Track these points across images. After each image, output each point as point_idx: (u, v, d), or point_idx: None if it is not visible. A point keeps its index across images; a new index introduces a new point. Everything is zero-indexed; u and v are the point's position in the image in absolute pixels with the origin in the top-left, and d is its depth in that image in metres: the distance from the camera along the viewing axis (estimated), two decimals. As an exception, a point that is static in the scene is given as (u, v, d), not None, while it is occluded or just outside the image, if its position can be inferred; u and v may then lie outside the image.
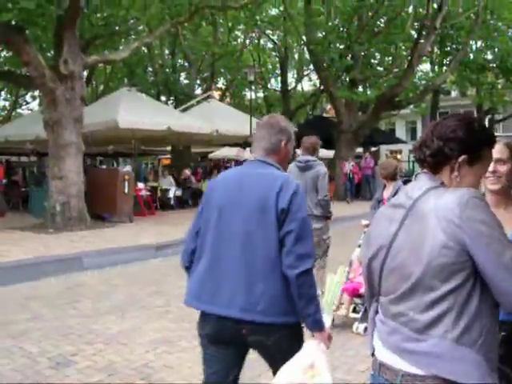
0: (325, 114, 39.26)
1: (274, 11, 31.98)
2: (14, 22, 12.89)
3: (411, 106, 31.85)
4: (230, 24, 31.19)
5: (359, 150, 27.85)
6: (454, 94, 47.87)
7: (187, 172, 22.63)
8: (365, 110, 24.82)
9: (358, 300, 6.43)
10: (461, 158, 1.95)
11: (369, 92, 23.71)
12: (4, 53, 23.00)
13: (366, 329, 5.76)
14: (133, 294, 8.16)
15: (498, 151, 2.67)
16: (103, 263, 10.22)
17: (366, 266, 2.07)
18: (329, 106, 35.94)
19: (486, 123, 40.62)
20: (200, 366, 3.07)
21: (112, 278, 9.29)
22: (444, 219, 1.80)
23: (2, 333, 6.16)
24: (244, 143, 20.90)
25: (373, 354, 2.06)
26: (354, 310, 6.44)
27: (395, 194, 6.01)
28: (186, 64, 32.16)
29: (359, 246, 6.59)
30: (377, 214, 2.15)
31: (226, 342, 2.83)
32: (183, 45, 29.27)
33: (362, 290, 5.80)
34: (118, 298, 7.89)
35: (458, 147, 1.95)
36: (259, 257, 2.70)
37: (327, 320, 2.97)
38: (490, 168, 2.63)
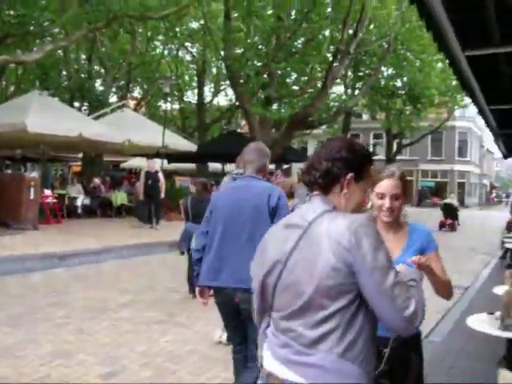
0: (239, 130, 39.54)
1: (194, 24, 32.02)
2: None
3: (324, 127, 32.71)
4: (149, 34, 30.93)
5: (271, 166, 28.20)
6: (365, 117, 49.53)
7: (97, 181, 22.20)
8: (278, 128, 25.20)
9: None
10: (348, 176, 2.08)
11: (283, 110, 24.11)
12: None
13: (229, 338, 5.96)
14: (32, 304, 7.92)
15: (394, 186, 2.82)
16: (2, 271, 9.86)
17: (260, 282, 2.12)
18: (243, 122, 36.23)
19: (394, 147, 42.31)
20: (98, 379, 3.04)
21: (10, 288, 8.98)
22: (335, 242, 1.91)
23: None
24: (156, 154, 20.69)
25: (261, 365, 2.14)
26: None
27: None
28: (103, 71, 31.59)
29: None
30: (268, 235, 2.22)
31: (228, 311, 4.05)
32: (100, 51, 28.77)
33: None
34: (15, 308, 7.64)
35: (344, 166, 2.09)
36: (255, 246, 3.02)
37: None
38: (387, 204, 2.81)
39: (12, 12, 19.28)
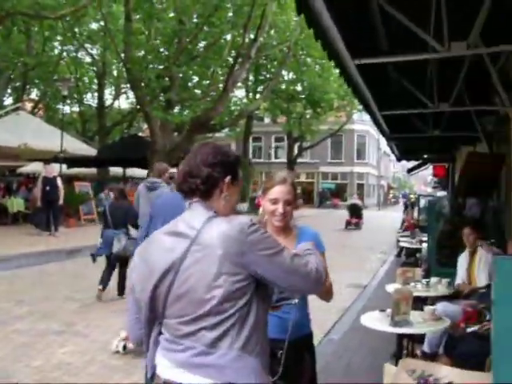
0: (141, 134, 39.00)
1: (94, 25, 31.29)
2: None
3: (226, 130, 32.86)
4: (46, 33, 29.88)
5: (173, 170, 27.94)
6: (266, 120, 50.10)
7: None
8: (180, 132, 25.07)
9: None
10: (227, 179, 2.18)
11: (185, 114, 24.04)
12: None
13: (125, 347, 5.86)
14: None
15: (286, 192, 2.89)
16: None
17: (150, 292, 2.09)
18: (145, 126, 35.80)
19: (296, 150, 43.12)
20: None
21: None
22: (229, 248, 1.97)
23: None
24: (54, 158, 20.07)
25: (152, 377, 2.13)
26: None
27: None
28: (-4, 71, 30.24)
29: None
30: (149, 242, 2.21)
31: None
32: (-8, 51, 27.54)
33: None
34: None
35: (223, 170, 2.17)
36: None
37: None
38: (280, 210, 2.87)
39: None
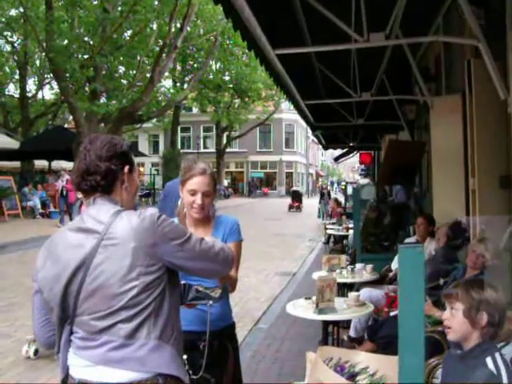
0: (66, 125, 38.05)
1: (13, 12, 30.13)
2: None
3: (154, 120, 32.51)
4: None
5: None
6: (194, 110, 49.83)
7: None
8: (107, 123, 24.64)
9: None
10: (126, 169, 2.17)
11: (110, 104, 23.60)
12: None
13: (36, 352, 5.65)
14: None
15: (206, 184, 2.86)
16: None
17: (61, 291, 2.03)
18: (71, 117, 34.94)
19: (224, 139, 43.13)
20: None
21: None
22: (141, 240, 1.97)
23: None
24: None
25: (66, 377, 2.07)
26: None
27: None
28: None
29: None
30: (56, 240, 2.13)
31: None
32: None
33: None
34: None
35: (120, 161, 2.16)
36: None
37: None
38: (199, 201, 2.84)
39: None
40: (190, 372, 2.49)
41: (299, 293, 8.20)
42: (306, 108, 7.74)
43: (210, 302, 2.40)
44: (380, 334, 4.67)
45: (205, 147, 53.42)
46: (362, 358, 2.81)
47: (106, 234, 2.00)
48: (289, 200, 33.52)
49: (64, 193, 19.02)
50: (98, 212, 2.08)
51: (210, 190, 2.89)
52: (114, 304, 1.96)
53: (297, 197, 32.05)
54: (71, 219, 13.30)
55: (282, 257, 13.44)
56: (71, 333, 2.07)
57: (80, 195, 5.86)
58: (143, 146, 50.81)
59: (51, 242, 2.14)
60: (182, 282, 2.29)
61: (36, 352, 5.68)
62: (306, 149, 63.55)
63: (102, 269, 1.97)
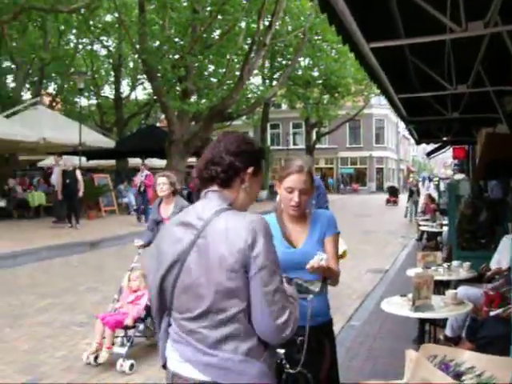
0: (158, 124, 39.09)
1: (108, 17, 31.33)
2: None
3: (243, 118, 32.81)
4: (61, 27, 29.97)
5: (192, 159, 28.10)
6: (284, 106, 49.93)
7: (12, 181, 21.43)
8: (197, 121, 25.10)
9: (121, 333, 5.80)
10: (249, 170, 2.13)
11: (202, 103, 24.02)
12: None
13: (132, 366, 5.34)
14: None
15: (302, 182, 2.86)
16: None
17: (158, 284, 2.09)
18: (163, 116, 35.88)
19: (314, 136, 42.94)
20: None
21: None
22: (232, 243, 1.93)
23: None
24: (73, 152, 20.27)
25: (164, 366, 2.14)
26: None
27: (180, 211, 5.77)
28: (14, 66, 30.39)
29: (131, 269, 6.17)
30: (163, 232, 2.21)
31: None
32: (10, 46, 27.62)
33: (128, 321, 5.58)
34: None
35: (245, 160, 2.13)
36: None
37: None
38: (296, 199, 2.85)
39: None
40: (287, 366, 2.48)
41: (392, 290, 8.06)
42: (399, 102, 7.58)
43: (311, 297, 2.38)
44: (480, 334, 4.51)
45: (294, 144, 53.43)
46: (468, 357, 2.71)
47: (203, 231, 2.00)
48: (379, 196, 36.09)
49: (142, 189, 18.42)
50: (203, 207, 2.09)
51: (306, 188, 2.88)
52: (200, 306, 1.97)
53: (393, 192, 35.18)
54: (146, 219, 13.63)
55: (373, 254, 13.26)
56: (169, 325, 2.12)
57: (162, 193, 5.79)
58: (208, 147, 51.34)
59: (160, 234, 2.22)
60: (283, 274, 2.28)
61: (96, 358, 5.47)
62: (396, 144, 62.39)
63: (194, 268, 1.99)
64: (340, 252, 3.70)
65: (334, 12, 3.49)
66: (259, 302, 1.93)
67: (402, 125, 61.62)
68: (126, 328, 5.66)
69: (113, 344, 5.56)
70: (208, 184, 2.14)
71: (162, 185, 6.06)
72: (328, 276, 2.74)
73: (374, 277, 10.46)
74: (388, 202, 34.22)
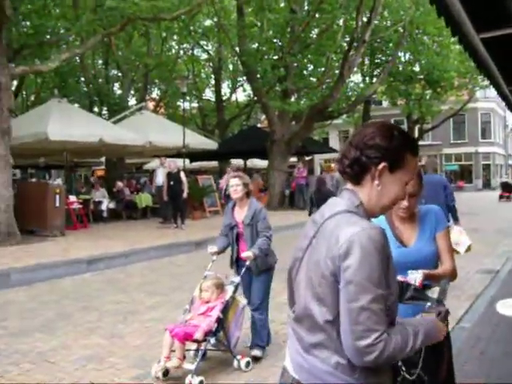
0: (259, 125, 39.54)
1: (207, 22, 32.08)
2: None
3: (344, 116, 32.52)
4: (163, 34, 31.02)
5: (293, 159, 28.24)
6: (385, 103, 49.09)
7: (120, 184, 22.35)
8: (298, 120, 25.18)
9: (192, 346, 5.45)
10: (381, 166, 1.90)
11: (302, 102, 24.06)
12: None
13: (201, 383, 4.93)
14: (62, 310, 8.01)
15: (411, 185, 2.79)
16: (32, 279, 10.00)
17: (288, 276, 2.07)
18: (263, 117, 36.23)
19: (416, 132, 41.89)
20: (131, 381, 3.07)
21: (41, 295, 9.09)
22: (330, 249, 1.81)
23: None
24: (177, 154, 20.88)
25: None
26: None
27: (254, 214, 5.63)
28: (120, 74, 31.76)
29: (204, 278, 5.87)
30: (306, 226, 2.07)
31: None
32: (116, 55, 28.91)
33: (198, 335, 5.15)
34: (47, 314, 7.74)
35: (376, 155, 1.91)
36: None
37: None
38: (405, 202, 2.84)
39: (28, 23, 19.52)
40: (403, 369, 2.43)
41: (504, 292, 7.71)
42: (510, 94, 7.25)
43: (429, 304, 2.24)
44: None
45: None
46: None
47: (318, 230, 1.92)
48: (487, 194, 36.21)
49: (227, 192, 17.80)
50: (330, 206, 1.96)
51: (415, 191, 2.87)
52: (299, 305, 1.95)
53: (507, 187, 35.55)
54: None
55: (482, 253, 12.73)
56: None
57: (236, 195, 5.48)
58: (334, 142, 51.20)
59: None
60: (399, 278, 2.22)
61: (165, 373, 5.16)
62: (504, 139, 59.76)
63: (304, 265, 1.95)
64: (465, 247, 3.67)
65: (443, 3, 3.39)
66: (344, 317, 1.77)
67: (510, 118, 59.12)
68: (197, 342, 5.27)
69: (184, 357, 5.18)
70: (344, 178, 2.00)
71: (236, 186, 5.67)
72: (438, 279, 2.66)
73: (484, 278, 10.03)
74: (501, 197, 34.42)
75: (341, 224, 1.84)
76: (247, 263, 5.63)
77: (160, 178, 18.74)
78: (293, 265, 2.03)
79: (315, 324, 1.86)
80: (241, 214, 5.74)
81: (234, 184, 5.71)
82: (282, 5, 25.08)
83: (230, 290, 5.57)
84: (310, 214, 13.95)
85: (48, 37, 18.82)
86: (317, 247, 1.89)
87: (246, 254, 5.57)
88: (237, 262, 5.91)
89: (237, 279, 5.67)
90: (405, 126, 45.95)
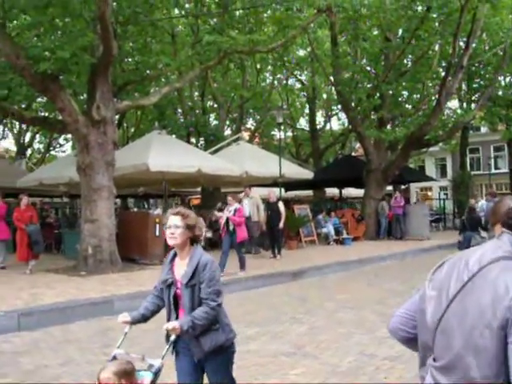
0: (354, 153, 39.29)
1: (301, 52, 32.43)
2: (49, 71, 13.27)
3: (440, 143, 31.73)
4: (258, 66, 31.62)
5: (389, 188, 27.80)
6: (483, 129, 47.54)
7: (216, 213, 22.67)
8: (394, 149, 24.81)
9: None
10: None
11: (398, 130, 23.72)
12: (40, 98, 23.63)
13: None
14: (162, 338, 8.14)
15: None
16: (134, 307, 10.25)
17: (420, 315, 1.97)
18: (358, 145, 35.96)
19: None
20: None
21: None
22: (499, 299, 1.71)
23: (35, 377, 6.24)
24: (273, 183, 21.06)
25: None
26: None
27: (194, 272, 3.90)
28: (216, 106, 32.55)
29: (113, 357, 3.94)
30: (452, 260, 1.99)
31: None
32: (212, 87, 29.68)
33: None
34: (148, 342, 7.90)
35: None
36: None
37: None
38: None
39: (130, 60, 20.46)
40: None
41: None
42: None
43: None
44: None
45: (496, 168, 50.40)
46: None
47: (475, 276, 1.80)
48: None
49: (231, 227, 13.92)
50: (489, 249, 1.87)
51: None
52: (447, 358, 1.84)
53: None
54: (223, 265, 12.78)
55: None
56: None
57: (172, 241, 4.02)
58: (430, 170, 49.99)
59: (451, 260, 2.02)
60: None
61: None
62: None
63: (456, 310, 1.82)
64: None
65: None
66: None
67: None
68: None
69: None
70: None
71: (174, 228, 3.95)
72: None
73: None
74: None
75: (507, 273, 1.75)
76: (172, 338, 3.92)
77: (246, 209, 18.78)
78: (435, 308, 1.89)
79: (469, 377, 1.72)
80: (180, 269, 4.03)
81: (171, 225, 3.96)
82: (376, 33, 24.97)
83: (146, 379, 3.65)
84: (460, 234, 17.10)
85: (148, 72, 19.61)
86: (476, 293, 1.77)
87: (170, 324, 3.90)
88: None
89: (157, 362, 3.73)
90: (505, 152, 44.28)
